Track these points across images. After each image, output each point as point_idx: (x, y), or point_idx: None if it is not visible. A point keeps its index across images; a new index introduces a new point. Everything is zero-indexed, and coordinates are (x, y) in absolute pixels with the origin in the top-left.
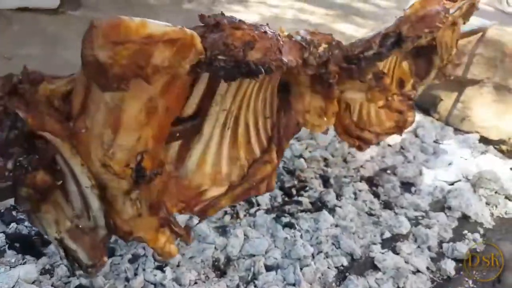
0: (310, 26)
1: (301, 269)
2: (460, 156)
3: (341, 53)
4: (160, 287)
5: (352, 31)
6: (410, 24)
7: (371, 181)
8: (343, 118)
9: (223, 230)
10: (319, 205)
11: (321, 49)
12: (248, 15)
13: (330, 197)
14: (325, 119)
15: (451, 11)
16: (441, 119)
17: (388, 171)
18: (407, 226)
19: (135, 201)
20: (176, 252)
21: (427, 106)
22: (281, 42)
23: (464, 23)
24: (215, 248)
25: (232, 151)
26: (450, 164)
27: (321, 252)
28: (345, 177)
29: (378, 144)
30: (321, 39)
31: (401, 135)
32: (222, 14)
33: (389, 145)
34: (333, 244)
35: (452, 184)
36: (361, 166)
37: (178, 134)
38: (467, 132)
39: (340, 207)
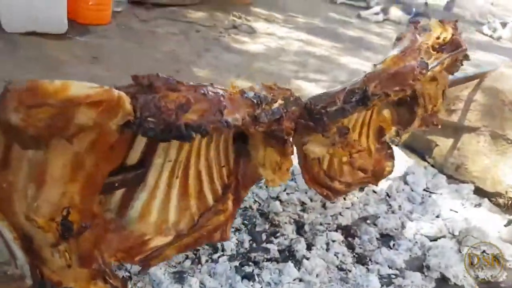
0: (315, 58)
1: None
2: (450, 208)
3: (299, 109)
4: None
5: (357, 65)
6: (379, 81)
7: (348, 231)
8: (311, 166)
9: (180, 277)
10: (287, 254)
11: (275, 105)
12: (254, 45)
13: (300, 247)
14: (279, 174)
15: (431, 65)
16: (436, 165)
17: (368, 221)
18: (377, 286)
19: (64, 252)
20: None
21: (422, 151)
22: (224, 103)
23: (452, 73)
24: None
25: (181, 200)
26: (437, 216)
27: None
28: (320, 224)
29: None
30: (278, 95)
31: (376, 185)
32: (158, 75)
33: (374, 192)
34: None
35: (435, 240)
36: (340, 214)
37: (117, 184)
38: (462, 182)
39: (308, 258)
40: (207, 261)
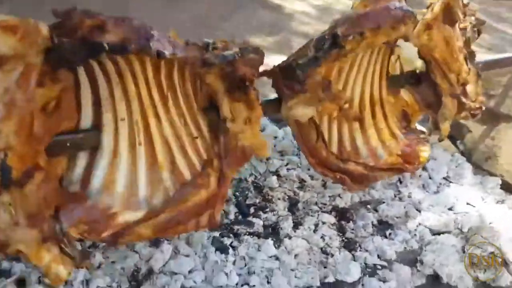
0: None
1: None
2: (466, 202)
3: (260, 57)
4: (69, 286)
5: None
6: (350, 23)
7: (343, 214)
8: (317, 150)
9: (156, 240)
10: (270, 231)
11: (229, 52)
12: (295, 2)
13: (286, 225)
14: (250, 127)
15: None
16: (465, 153)
17: (369, 206)
18: (356, 275)
19: (8, 206)
20: (66, 276)
21: (453, 135)
22: (153, 34)
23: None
24: (139, 257)
25: (151, 171)
26: (450, 209)
27: (246, 284)
28: (316, 204)
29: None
30: (233, 46)
31: (413, 173)
32: (76, 7)
33: None
34: (266, 277)
35: (438, 234)
36: (339, 195)
37: (69, 144)
38: (490, 174)
39: (291, 237)
40: None
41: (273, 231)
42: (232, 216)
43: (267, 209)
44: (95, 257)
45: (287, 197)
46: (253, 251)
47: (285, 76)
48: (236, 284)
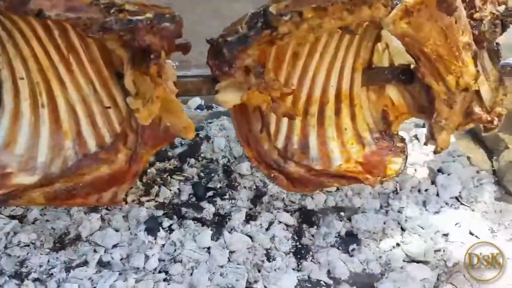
0: None
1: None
2: (470, 231)
3: (177, 26)
4: None
5: None
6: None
7: (308, 217)
8: (258, 140)
9: (94, 208)
10: (216, 220)
11: (138, 17)
12: None
13: (238, 217)
14: (149, 106)
15: None
16: (498, 172)
17: (343, 213)
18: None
19: None
20: None
21: (491, 148)
22: None
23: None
24: (72, 222)
25: (54, 138)
26: (445, 235)
27: (164, 272)
28: (282, 200)
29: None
30: (149, 10)
31: (373, 186)
32: None
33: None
34: (189, 269)
35: (412, 262)
36: (311, 196)
37: None
38: None
39: (232, 231)
40: (133, 200)
41: (220, 221)
42: (185, 197)
43: (226, 197)
44: (32, 212)
45: (255, 187)
46: (188, 238)
47: (214, 54)
48: (154, 269)
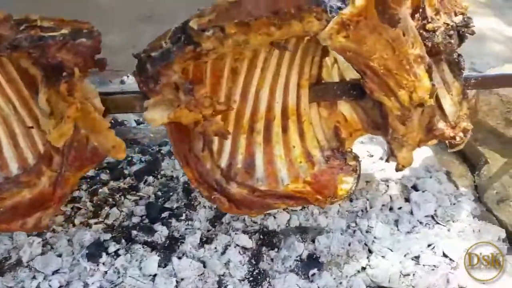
0: None
1: None
2: (443, 252)
3: (95, 42)
4: None
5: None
6: (217, 13)
7: (268, 239)
8: (199, 160)
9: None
10: (167, 244)
11: (54, 33)
12: None
13: (191, 240)
14: (60, 127)
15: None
16: (479, 188)
17: (306, 235)
18: None
19: None
20: None
21: (472, 162)
22: None
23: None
24: (13, 245)
25: None
26: (416, 257)
27: None
28: (243, 221)
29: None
30: (66, 26)
31: (322, 207)
32: None
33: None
34: None
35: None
36: (274, 215)
37: None
38: (498, 221)
39: (181, 258)
40: (81, 223)
41: (171, 246)
42: (136, 219)
43: (182, 217)
44: None
45: (215, 206)
46: (133, 264)
47: (139, 69)
48: None
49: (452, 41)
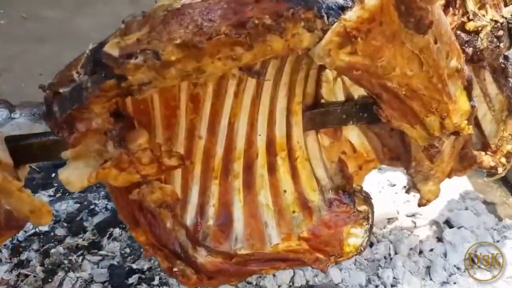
0: None
1: None
2: None
3: None
4: None
5: None
6: (151, 26)
7: None
8: (156, 220)
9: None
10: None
11: None
12: None
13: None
14: None
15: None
16: None
17: None
18: None
19: None
20: None
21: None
22: None
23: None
24: None
25: None
26: None
27: None
28: None
29: None
30: None
31: (324, 272)
32: None
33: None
34: None
35: None
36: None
37: None
38: None
39: None
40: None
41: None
42: (97, 286)
43: (155, 282)
44: None
45: None
46: None
47: (47, 110)
48: None
49: (501, 44)
